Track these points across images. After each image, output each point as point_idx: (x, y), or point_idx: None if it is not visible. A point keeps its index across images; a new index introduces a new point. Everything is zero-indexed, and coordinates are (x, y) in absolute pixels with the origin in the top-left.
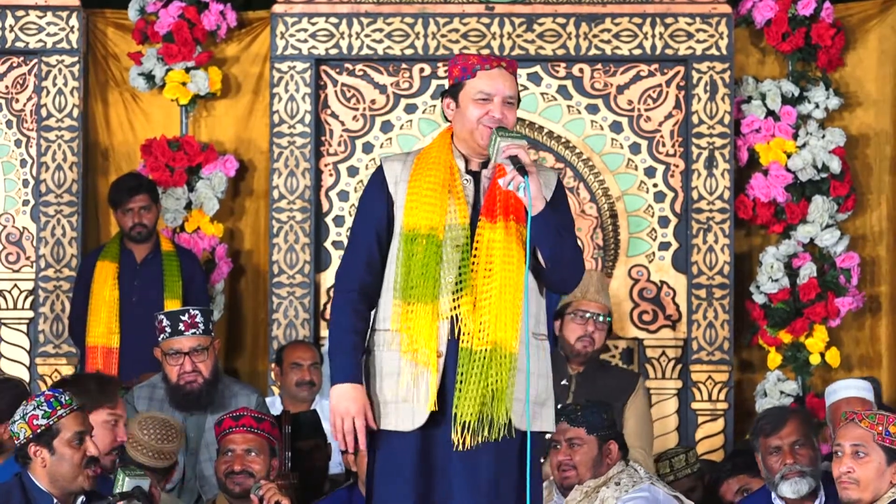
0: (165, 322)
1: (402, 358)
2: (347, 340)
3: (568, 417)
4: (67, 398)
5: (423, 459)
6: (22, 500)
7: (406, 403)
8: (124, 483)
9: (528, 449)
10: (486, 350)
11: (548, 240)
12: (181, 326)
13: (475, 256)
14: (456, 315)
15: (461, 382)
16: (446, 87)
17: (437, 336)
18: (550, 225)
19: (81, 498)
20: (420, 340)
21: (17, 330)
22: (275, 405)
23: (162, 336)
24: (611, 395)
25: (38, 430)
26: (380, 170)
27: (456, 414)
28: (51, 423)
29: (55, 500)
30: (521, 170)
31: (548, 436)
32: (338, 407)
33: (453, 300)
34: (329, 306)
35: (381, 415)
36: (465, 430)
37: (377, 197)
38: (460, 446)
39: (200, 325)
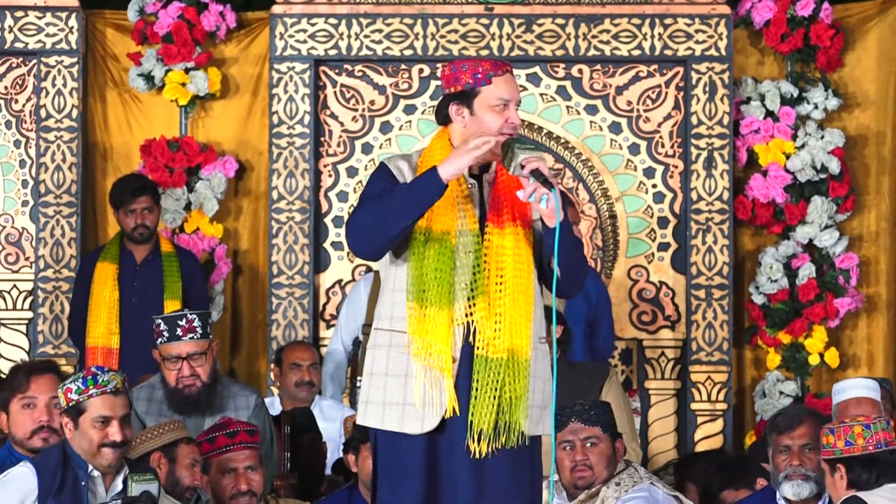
0: (163, 327)
1: (412, 361)
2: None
3: (580, 417)
4: (105, 379)
5: (429, 463)
6: (59, 461)
7: (415, 407)
8: (132, 488)
9: (552, 452)
10: (501, 358)
11: (566, 250)
12: (179, 332)
13: (485, 262)
14: (470, 321)
15: (476, 390)
16: (450, 92)
17: (452, 341)
18: (569, 236)
19: (126, 470)
20: (436, 345)
21: (17, 330)
22: (274, 405)
23: (160, 340)
24: (584, 390)
25: (69, 404)
26: (385, 167)
27: (472, 422)
28: (81, 399)
29: (91, 467)
30: (545, 182)
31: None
32: (460, 158)
33: (468, 306)
34: (350, 228)
35: (384, 415)
36: (481, 438)
37: (392, 180)
38: (477, 454)
39: (198, 330)
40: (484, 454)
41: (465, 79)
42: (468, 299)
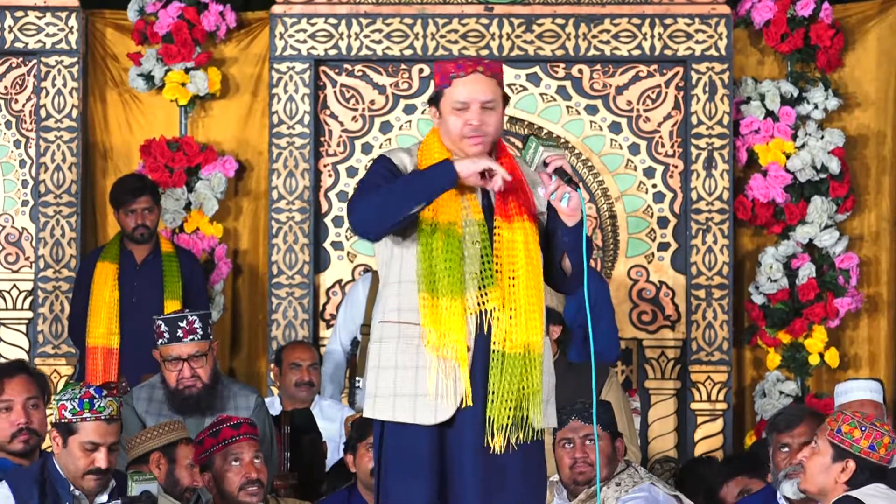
0: (164, 328)
1: (422, 352)
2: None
3: (580, 415)
4: (101, 406)
5: (438, 456)
6: (38, 478)
7: (427, 397)
8: (132, 488)
9: (596, 453)
10: (519, 353)
11: (580, 248)
12: (179, 333)
13: (497, 257)
14: (483, 311)
15: (493, 385)
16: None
17: (466, 331)
18: (585, 235)
19: (112, 485)
20: (451, 335)
21: (17, 330)
22: (274, 405)
23: (160, 341)
24: (583, 390)
25: (61, 420)
26: (387, 158)
27: (491, 418)
28: (73, 419)
29: (72, 486)
30: (569, 181)
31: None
32: (475, 163)
33: (479, 295)
34: (355, 207)
35: (394, 407)
36: (499, 433)
37: (395, 170)
38: (499, 450)
39: (199, 331)
40: (502, 449)
41: (436, 81)
42: (479, 289)
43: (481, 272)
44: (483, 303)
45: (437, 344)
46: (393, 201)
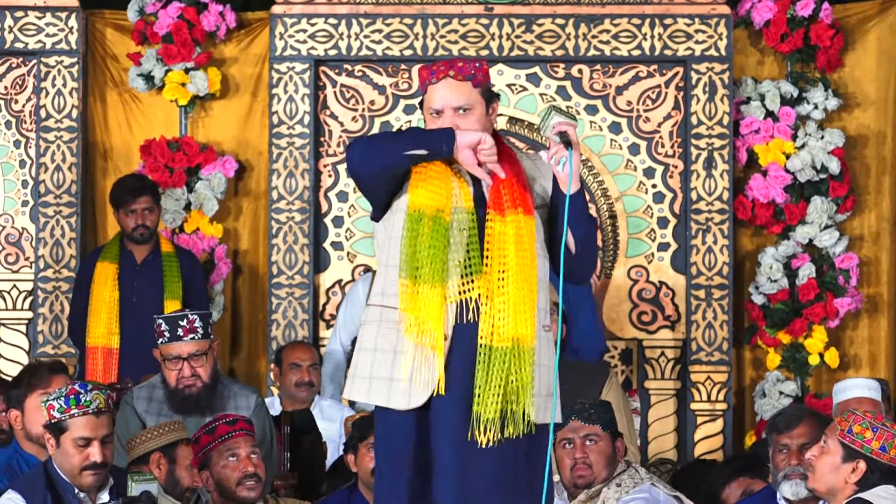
0: (164, 327)
1: (402, 337)
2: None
3: (580, 416)
4: (88, 400)
5: (418, 443)
6: (46, 486)
7: (402, 382)
8: (132, 488)
9: (548, 451)
10: (506, 347)
11: (581, 219)
12: (180, 332)
13: (488, 251)
14: (464, 300)
15: (480, 379)
16: None
17: (444, 319)
18: (584, 205)
19: (111, 483)
20: (428, 322)
21: (16, 330)
22: (273, 406)
23: (161, 340)
24: (583, 390)
25: (52, 421)
26: None
27: (478, 413)
28: (63, 418)
29: (76, 490)
30: (567, 144)
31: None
32: (473, 133)
33: (461, 283)
34: (357, 142)
35: (369, 389)
36: (487, 429)
37: None
38: (485, 444)
39: (199, 330)
40: (490, 443)
41: (420, 86)
42: (461, 276)
43: (465, 261)
44: (465, 291)
45: (414, 330)
46: (391, 141)
